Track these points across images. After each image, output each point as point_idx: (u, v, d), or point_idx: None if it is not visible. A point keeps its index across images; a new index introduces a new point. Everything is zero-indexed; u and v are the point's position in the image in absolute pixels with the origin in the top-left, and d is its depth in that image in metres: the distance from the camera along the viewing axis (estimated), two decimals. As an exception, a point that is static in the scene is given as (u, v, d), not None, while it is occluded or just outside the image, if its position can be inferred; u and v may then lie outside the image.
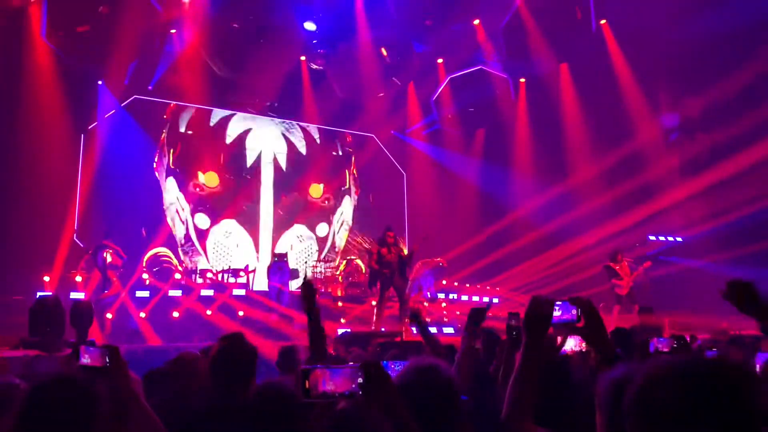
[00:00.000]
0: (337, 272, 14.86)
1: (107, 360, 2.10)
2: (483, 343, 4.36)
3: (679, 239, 14.16)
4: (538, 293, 2.00)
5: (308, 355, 2.90)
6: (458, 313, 13.42)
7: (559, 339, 2.42)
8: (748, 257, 11.48)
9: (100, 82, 12.75)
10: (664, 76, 13.97)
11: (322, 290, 12.97)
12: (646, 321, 8.18)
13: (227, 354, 2.69)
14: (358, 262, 15.20)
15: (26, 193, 11.08)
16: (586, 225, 13.71)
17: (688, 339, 3.79)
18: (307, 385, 1.53)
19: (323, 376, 1.54)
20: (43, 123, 11.38)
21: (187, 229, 13.85)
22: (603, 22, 13.78)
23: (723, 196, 12.29)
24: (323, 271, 14.26)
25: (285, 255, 12.81)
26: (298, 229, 15.26)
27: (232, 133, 14.80)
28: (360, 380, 1.51)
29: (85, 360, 2.10)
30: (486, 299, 14.85)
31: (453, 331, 11.42)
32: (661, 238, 14.22)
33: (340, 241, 15.90)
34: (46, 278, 10.01)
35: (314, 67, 14.68)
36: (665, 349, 3.29)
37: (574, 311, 2.06)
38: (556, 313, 2.00)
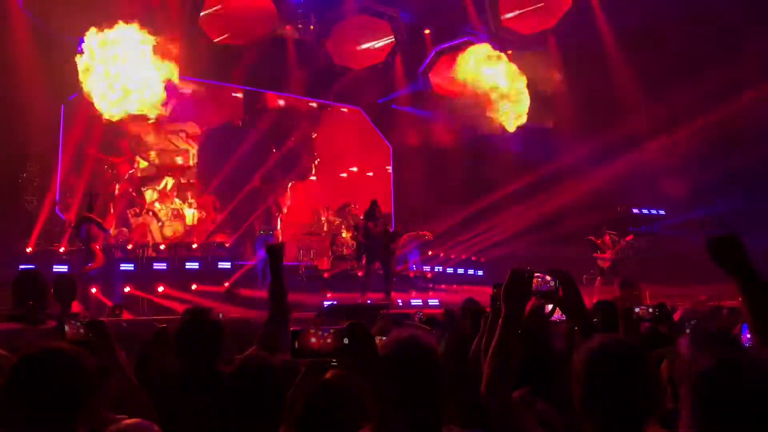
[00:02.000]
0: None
1: (92, 334, 2.09)
2: (469, 317, 4.40)
3: (662, 212, 14.31)
4: (519, 265, 2.02)
5: (268, 317, 2.82)
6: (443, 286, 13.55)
7: (548, 307, 2.46)
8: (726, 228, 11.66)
9: (80, 51, 12.44)
10: (650, 46, 13.96)
11: (309, 263, 13.00)
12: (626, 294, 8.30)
13: (190, 329, 2.62)
14: (345, 235, 15.20)
15: (8, 165, 10.91)
16: (573, 196, 13.83)
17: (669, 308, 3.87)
18: (296, 345, 1.63)
19: (312, 336, 1.64)
20: (23, 93, 11.14)
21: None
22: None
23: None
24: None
25: (272, 228, 12.79)
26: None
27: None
28: (345, 340, 1.61)
29: (71, 334, 2.10)
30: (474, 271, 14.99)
31: (438, 303, 11.54)
32: (645, 211, 14.38)
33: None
34: (29, 249, 9.93)
35: (299, 37, 14.45)
36: (646, 317, 3.35)
37: (552, 282, 2.11)
38: (536, 285, 2.05)
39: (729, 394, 1.25)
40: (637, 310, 3.28)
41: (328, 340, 1.63)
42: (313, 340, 1.64)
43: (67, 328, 2.11)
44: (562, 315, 2.79)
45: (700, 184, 12.75)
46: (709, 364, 1.30)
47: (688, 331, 2.93)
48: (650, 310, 3.34)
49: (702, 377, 1.29)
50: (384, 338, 2.11)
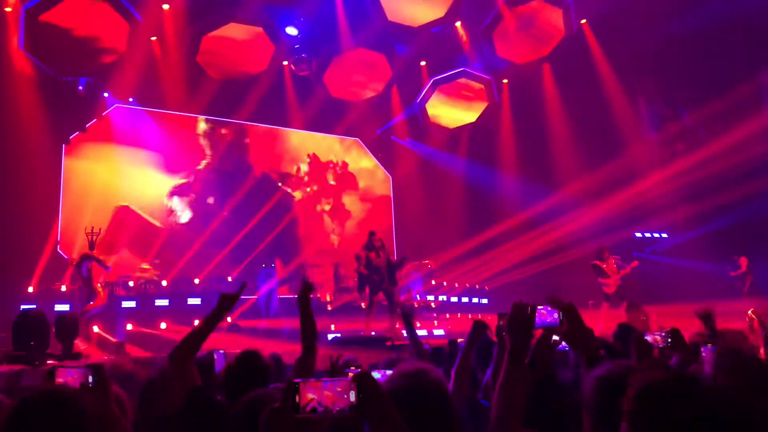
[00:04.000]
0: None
1: (90, 379, 2.03)
2: (477, 348, 4.35)
3: (664, 235, 14.29)
4: (521, 299, 2.00)
5: (300, 356, 2.84)
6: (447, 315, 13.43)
7: (555, 337, 2.42)
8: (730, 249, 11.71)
9: (80, 91, 12.61)
10: (644, 71, 14.13)
11: (311, 295, 12.91)
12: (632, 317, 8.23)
13: (243, 369, 2.75)
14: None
15: (8, 205, 10.93)
16: (573, 222, 13.84)
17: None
18: (297, 400, 1.44)
19: (314, 389, 1.45)
20: (24, 133, 11.24)
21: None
22: (583, 21, 13.92)
23: (706, 190, 12.50)
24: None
25: (274, 261, 12.75)
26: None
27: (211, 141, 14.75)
28: (353, 393, 1.44)
29: (62, 381, 2.01)
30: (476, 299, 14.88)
31: (443, 333, 11.43)
32: (647, 235, 14.35)
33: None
34: (30, 289, 9.88)
35: (298, 72, 14.62)
36: (661, 345, 3.28)
37: (556, 315, 2.08)
38: (539, 317, 2.02)
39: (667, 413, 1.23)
40: (648, 337, 3.21)
41: (333, 393, 1.44)
42: (316, 393, 1.44)
43: (57, 376, 2.02)
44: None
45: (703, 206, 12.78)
46: (651, 381, 1.29)
47: (704, 355, 2.83)
48: (663, 336, 3.28)
49: (642, 395, 1.27)
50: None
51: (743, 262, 11.83)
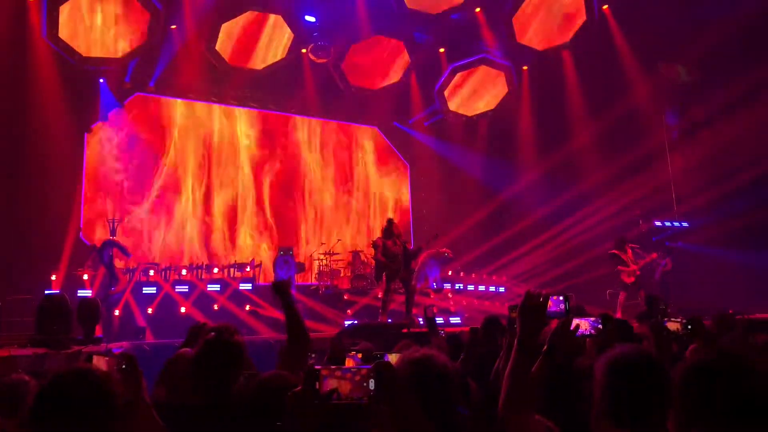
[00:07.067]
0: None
1: (123, 367, 2.08)
2: (484, 330, 4.39)
3: (685, 224, 14.08)
4: (532, 287, 2.03)
5: (284, 348, 2.79)
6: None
7: (574, 323, 2.44)
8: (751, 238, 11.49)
9: (101, 81, 12.73)
10: (664, 58, 13.88)
11: (328, 283, 13.00)
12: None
13: (211, 348, 2.51)
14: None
15: (31, 193, 11.12)
16: (591, 210, 13.72)
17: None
18: (317, 386, 1.49)
19: (334, 376, 1.50)
20: (46, 122, 11.40)
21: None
22: (605, 7, 13.68)
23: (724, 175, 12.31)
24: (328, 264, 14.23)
25: (291, 248, 12.85)
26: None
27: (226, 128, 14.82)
28: (372, 381, 1.48)
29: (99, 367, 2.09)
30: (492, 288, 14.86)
31: (459, 321, 11.46)
32: (668, 224, 14.15)
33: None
34: (53, 277, 10.06)
35: (315, 60, 14.58)
36: (679, 332, 3.28)
37: (563, 305, 2.12)
38: (550, 306, 2.05)
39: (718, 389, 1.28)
40: (669, 325, 3.21)
41: (353, 381, 1.49)
42: (337, 380, 1.50)
43: (94, 362, 2.11)
44: (586, 330, 2.75)
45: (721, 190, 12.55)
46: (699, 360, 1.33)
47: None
48: (682, 324, 3.28)
49: (690, 372, 1.31)
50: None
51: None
